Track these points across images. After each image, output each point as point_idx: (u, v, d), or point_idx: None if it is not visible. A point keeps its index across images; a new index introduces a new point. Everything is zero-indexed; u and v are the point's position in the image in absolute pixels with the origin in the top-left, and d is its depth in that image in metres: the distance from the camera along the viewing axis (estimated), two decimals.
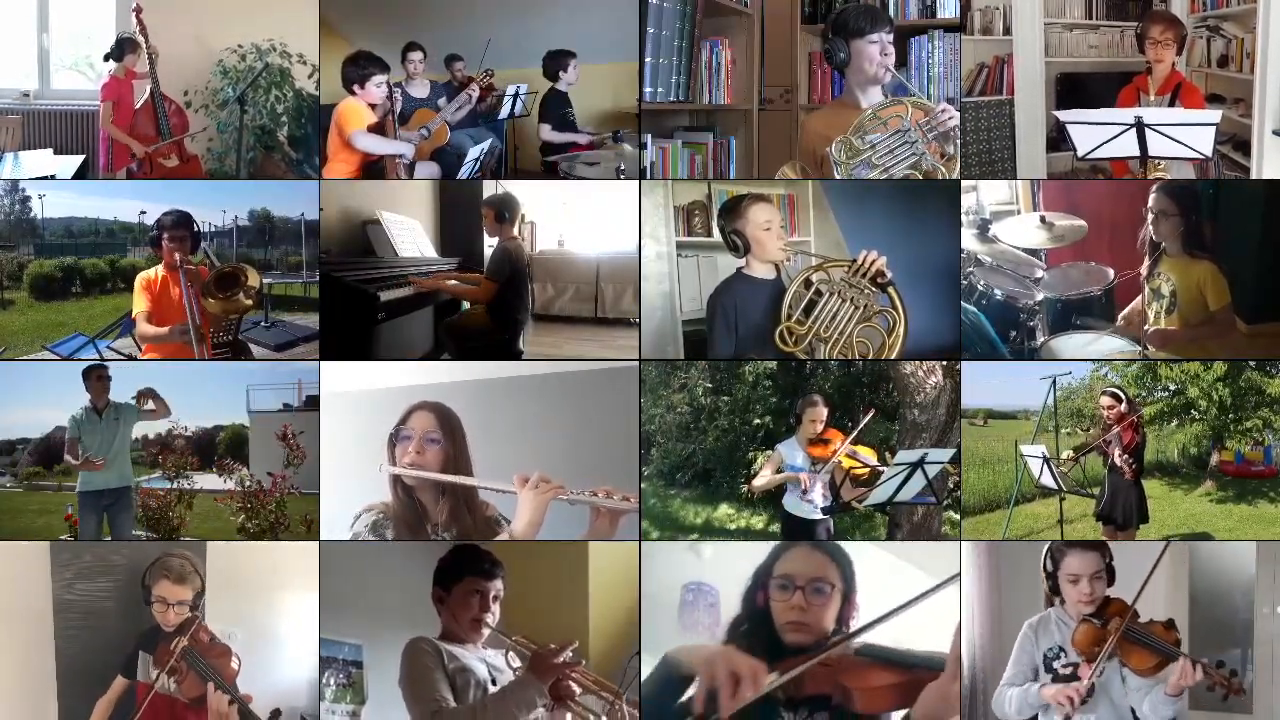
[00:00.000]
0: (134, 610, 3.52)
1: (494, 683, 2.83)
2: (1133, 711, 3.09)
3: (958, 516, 4.18)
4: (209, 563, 3.57)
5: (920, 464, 3.62)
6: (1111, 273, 4.21)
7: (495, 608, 2.92)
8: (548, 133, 5.16)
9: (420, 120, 4.67)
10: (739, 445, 4.88)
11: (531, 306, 4.77)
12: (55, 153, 5.15)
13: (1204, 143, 3.73)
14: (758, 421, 4.83)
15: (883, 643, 2.52)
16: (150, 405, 3.98)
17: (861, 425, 3.88)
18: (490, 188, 4.70)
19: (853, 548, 4.02)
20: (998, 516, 4.22)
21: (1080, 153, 3.88)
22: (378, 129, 4.38)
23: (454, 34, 5.15)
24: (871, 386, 4.54)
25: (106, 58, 5.13)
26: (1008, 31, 5.39)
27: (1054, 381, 4.13)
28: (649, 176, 4.56)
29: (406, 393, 3.31)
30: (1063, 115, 3.99)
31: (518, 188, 4.61)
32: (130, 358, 4.05)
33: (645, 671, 2.45)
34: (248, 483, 4.08)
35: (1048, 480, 4.02)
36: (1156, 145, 3.76)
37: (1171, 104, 4.33)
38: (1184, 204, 3.85)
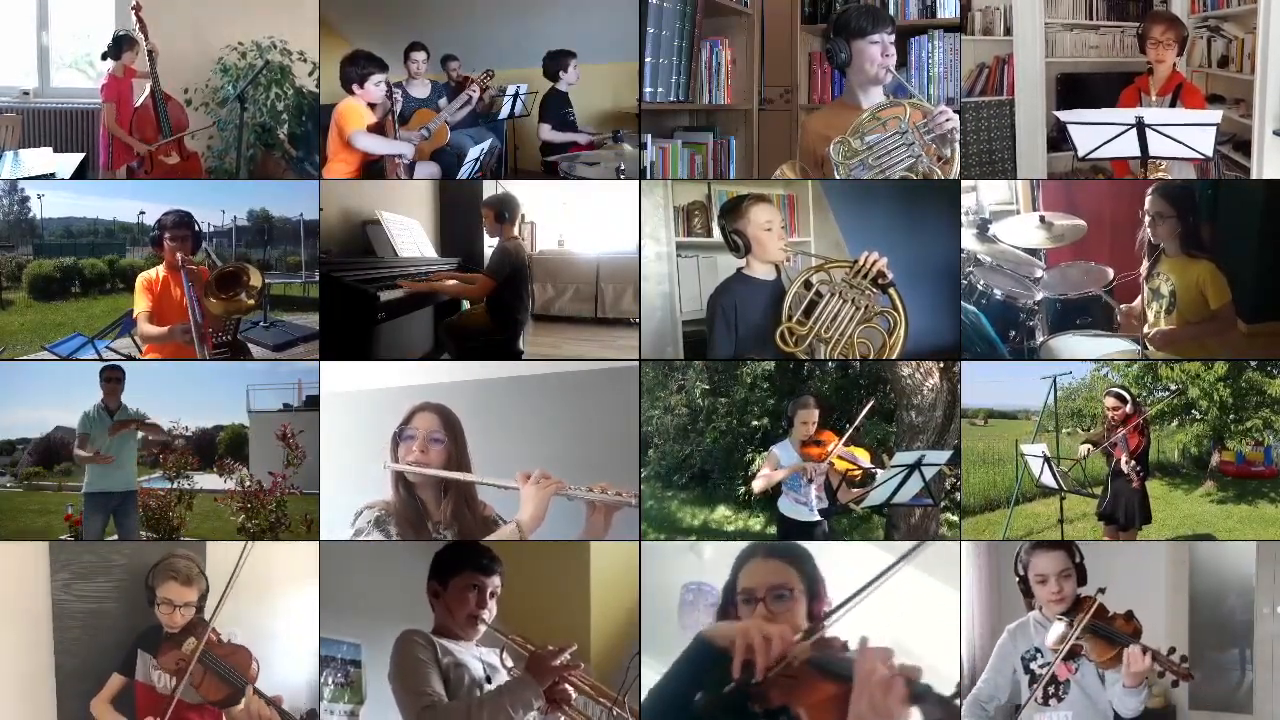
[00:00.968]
0: (134, 610, 3.52)
1: (489, 680, 2.82)
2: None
3: (955, 518, 4.18)
4: (208, 564, 3.56)
5: (917, 466, 3.61)
6: (1111, 272, 4.21)
7: (492, 604, 2.91)
8: (548, 133, 5.16)
9: (420, 120, 4.67)
10: (737, 447, 4.88)
11: (531, 306, 4.77)
12: (55, 151, 5.16)
13: (1204, 143, 3.74)
14: (756, 423, 4.82)
15: (846, 643, 2.49)
16: (144, 435, 3.99)
17: (858, 421, 3.87)
18: (490, 188, 4.70)
19: (852, 548, 4.04)
20: (998, 516, 4.22)
21: (1081, 153, 3.88)
22: (377, 129, 4.38)
23: (454, 34, 5.15)
24: (869, 388, 4.54)
25: (104, 56, 5.14)
26: (1008, 32, 5.39)
27: (1054, 381, 4.13)
28: (649, 176, 4.55)
29: (406, 393, 3.31)
30: (1063, 115, 3.99)
31: (518, 188, 4.61)
32: (130, 358, 4.04)
33: (680, 653, 2.43)
34: (248, 483, 4.08)
35: (1048, 480, 4.02)
36: (1157, 145, 3.76)
37: (1173, 104, 4.33)
38: (1180, 205, 3.86)
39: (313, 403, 3.89)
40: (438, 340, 4.87)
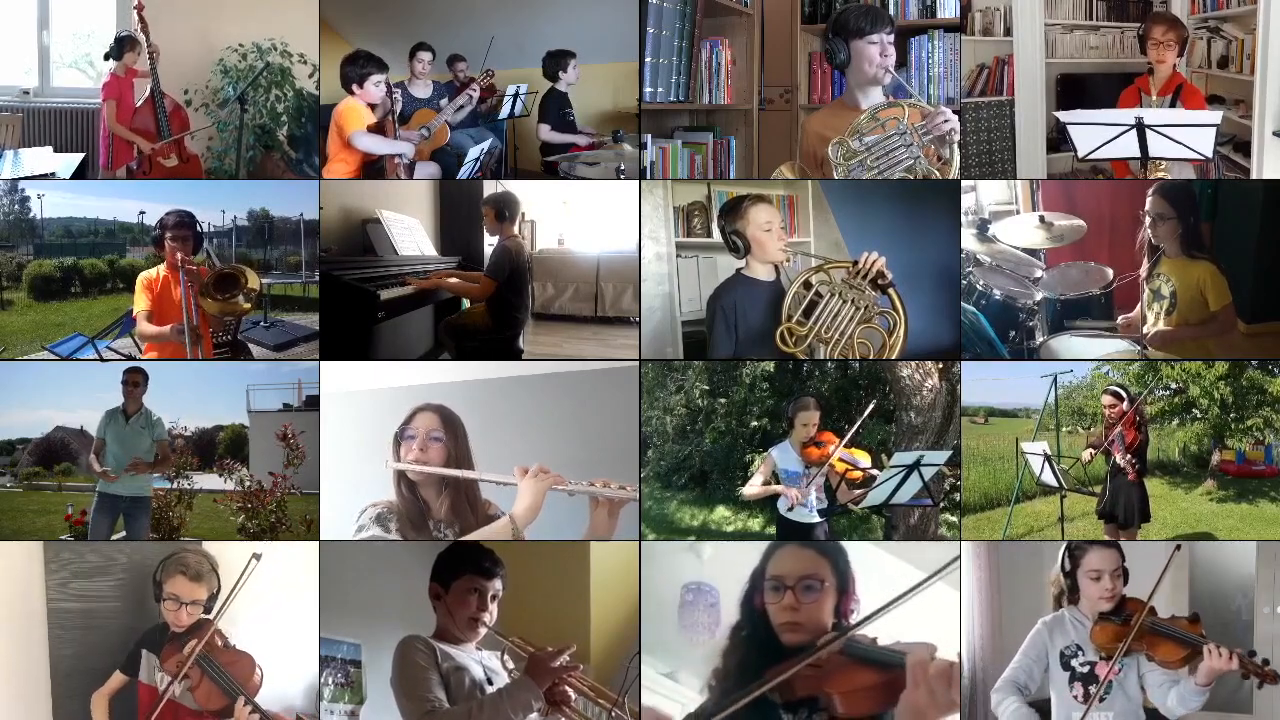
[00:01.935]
0: (133, 610, 3.52)
1: (489, 683, 2.82)
2: (1146, 711, 3.10)
3: (955, 518, 4.18)
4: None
5: (916, 466, 3.61)
6: (1110, 273, 4.21)
7: (493, 607, 2.91)
8: (547, 133, 5.16)
9: (421, 120, 4.67)
10: (736, 447, 4.88)
11: (531, 305, 4.77)
12: (55, 151, 5.15)
13: (1204, 144, 3.74)
14: (755, 424, 4.82)
15: (875, 640, 2.50)
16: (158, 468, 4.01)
17: (859, 423, 3.87)
18: (490, 187, 4.70)
19: (853, 548, 4.04)
20: (999, 514, 4.22)
21: (1081, 153, 3.88)
22: (377, 129, 4.38)
23: (454, 34, 5.15)
24: (868, 389, 4.54)
25: (106, 56, 5.14)
26: (1008, 32, 5.39)
27: (1055, 380, 4.13)
28: (649, 176, 4.55)
29: (406, 392, 3.31)
30: (1063, 116, 3.99)
31: (518, 187, 4.61)
32: (130, 358, 4.04)
33: None
34: (248, 483, 4.08)
35: (1049, 478, 4.02)
36: (1157, 146, 3.76)
37: (1173, 105, 4.33)
38: (1180, 206, 3.86)
39: (313, 403, 3.89)
40: (438, 339, 4.87)
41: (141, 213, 4.28)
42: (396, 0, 5.06)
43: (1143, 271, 3.96)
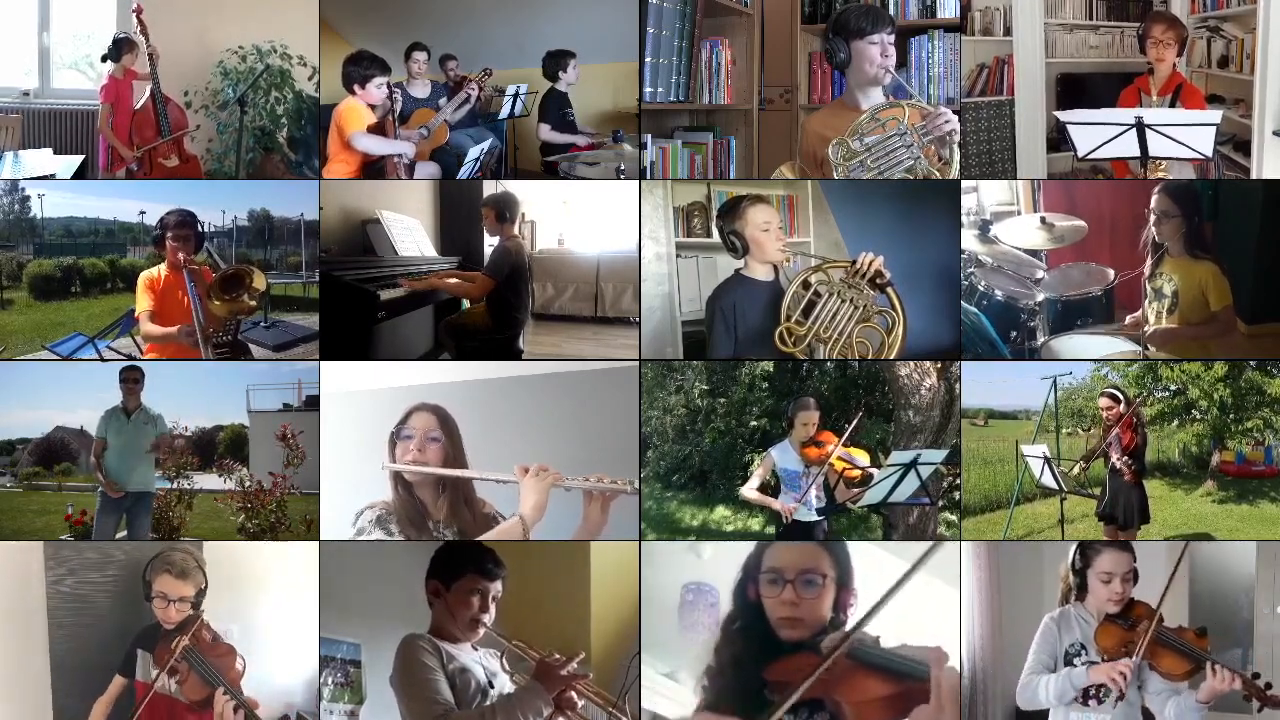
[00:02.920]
0: (130, 608, 3.52)
1: (491, 685, 2.82)
2: (1144, 713, 3.08)
3: (954, 517, 4.18)
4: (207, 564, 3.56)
5: (913, 465, 3.60)
6: (1112, 273, 4.21)
7: (493, 608, 2.91)
8: (547, 133, 5.16)
9: (420, 120, 4.67)
10: (735, 447, 4.88)
11: (531, 306, 4.77)
12: (55, 152, 5.16)
13: (1204, 143, 3.73)
14: (754, 423, 4.82)
15: (879, 639, 2.47)
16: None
17: (851, 427, 3.87)
18: (490, 187, 4.70)
19: (853, 548, 4.03)
20: (999, 516, 4.22)
21: (1081, 153, 3.87)
22: (378, 129, 4.38)
23: (454, 34, 5.15)
24: (867, 389, 4.54)
25: (104, 58, 5.14)
26: (1008, 32, 5.39)
27: (1054, 381, 4.13)
28: (649, 176, 4.55)
29: (406, 393, 3.31)
30: (1063, 116, 3.99)
31: (518, 187, 4.61)
32: (130, 357, 4.05)
33: None
34: (248, 483, 4.08)
35: (1049, 480, 4.02)
36: (1157, 146, 3.76)
37: (1173, 105, 4.33)
38: (1186, 205, 3.85)
39: (313, 403, 3.89)
40: (438, 340, 4.87)
41: (141, 213, 4.28)
42: (396, 0, 5.07)
43: (1145, 270, 3.96)
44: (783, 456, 3.96)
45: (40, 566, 3.61)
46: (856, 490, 3.83)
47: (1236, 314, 3.84)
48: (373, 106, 4.36)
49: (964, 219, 4.06)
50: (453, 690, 2.72)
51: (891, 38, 3.65)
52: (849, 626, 2.43)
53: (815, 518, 3.91)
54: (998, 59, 5.41)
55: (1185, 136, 3.73)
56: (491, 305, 4.45)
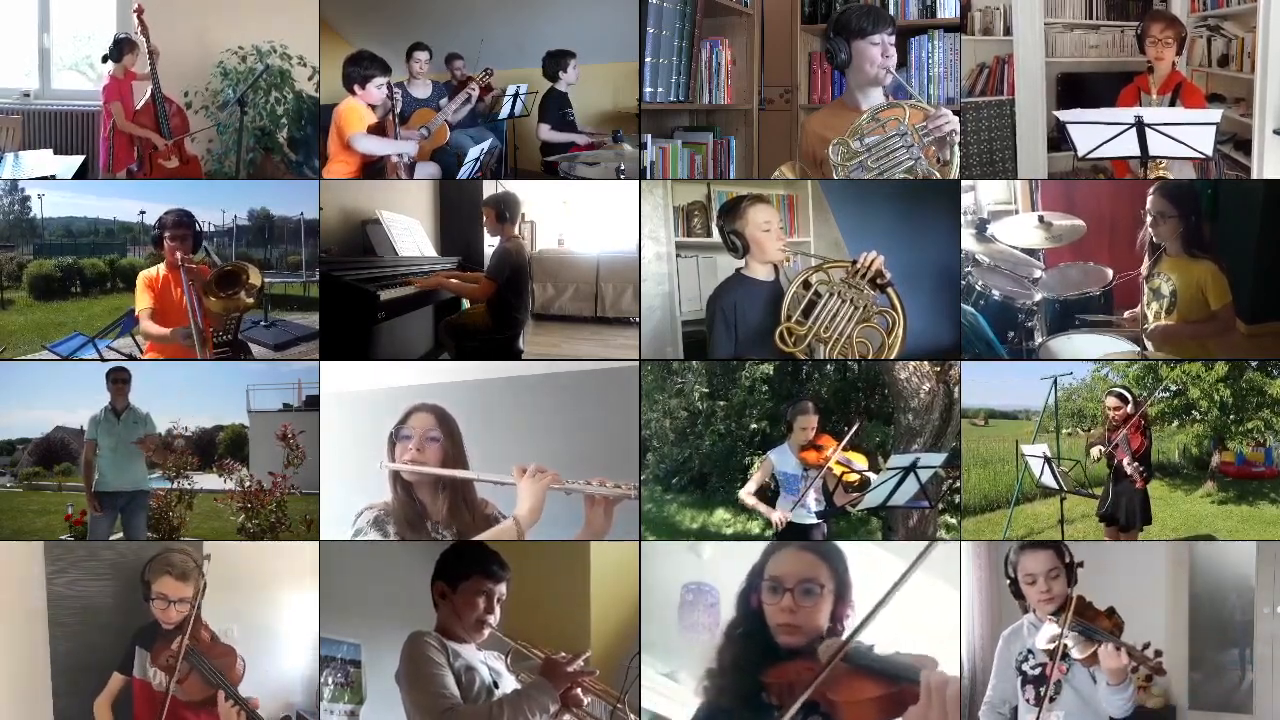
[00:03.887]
0: (130, 608, 3.52)
1: (496, 685, 2.83)
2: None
3: (953, 520, 4.18)
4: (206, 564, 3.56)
5: (912, 468, 3.60)
6: (1110, 273, 4.21)
7: (498, 609, 2.92)
8: (547, 133, 5.16)
9: (421, 120, 4.67)
10: (735, 450, 4.88)
11: (531, 306, 4.77)
12: (55, 153, 5.16)
13: (1204, 142, 3.73)
14: (754, 426, 4.82)
15: (873, 646, 2.50)
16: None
17: (849, 435, 3.87)
18: (490, 188, 4.70)
19: (854, 548, 4.03)
20: (999, 516, 4.22)
21: (1080, 153, 3.87)
22: (378, 129, 4.38)
23: (454, 34, 5.15)
24: (867, 391, 4.54)
25: (105, 59, 5.14)
26: (1008, 31, 5.39)
27: (1055, 381, 4.13)
28: (649, 176, 4.55)
29: (406, 393, 3.31)
30: (1063, 115, 3.99)
31: (518, 187, 4.61)
32: (130, 357, 4.05)
33: None
34: (248, 483, 4.08)
35: (1049, 480, 4.02)
36: (1157, 145, 3.76)
37: (1173, 104, 4.33)
38: (1182, 205, 3.85)
39: (313, 403, 3.89)
40: (438, 340, 4.87)
41: (141, 213, 4.28)
42: (396, 0, 5.07)
43: (1143, 270, 3.96)
44: (781, 460, 3.95)
45: (40, 566, 3.61)
46: (855, 494, 3.83)
47: (1236, 313, 3.84)
48: (373, 107, 4.36)
49: (962, 218, 4.06)
50: (458, 687, 2.73)
51: (892, 38, 3.65)
52: (845, 635, 2.50)
53: (814, 520, 3.91)
54: (998, 59, 5.41)
55: (1185, 136, 3.73)
56: (492, 305, 4.45)
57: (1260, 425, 4.30)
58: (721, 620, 3.48)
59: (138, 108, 5.05)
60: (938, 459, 3.74)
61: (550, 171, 5.02)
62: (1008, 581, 3.26)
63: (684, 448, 4.96)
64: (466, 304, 4.88)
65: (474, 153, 4.55)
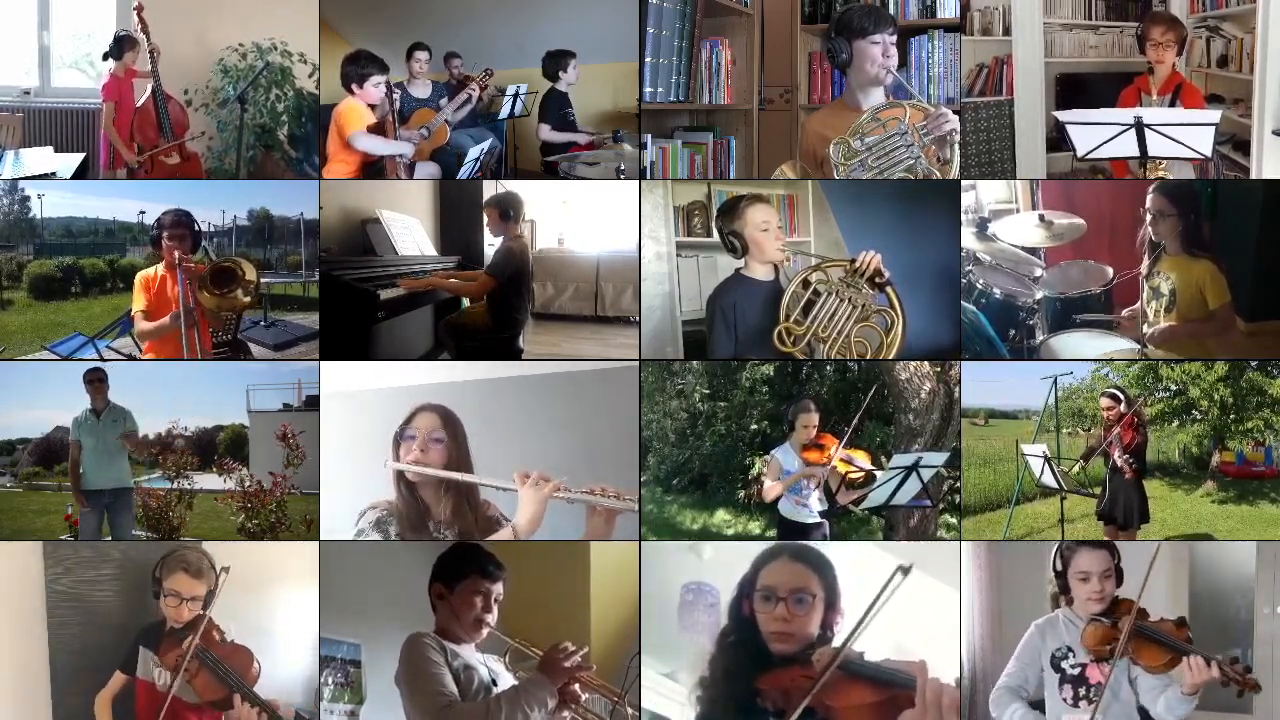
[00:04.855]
0: (131, 607, 3.52)
1: (494, 684, 2.83)
2: (1141, 712, 3.08)
3: (954, 520, 4.18)
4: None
5: (915, 468, 3.61)
6: (1110, 271, 4.21)
7: (495, 609, 2.92)
8: (547, 133, 5.16)
9: (420, 120, 4.67)
10: (736, 450, 4.88)
11: (531, 305, 4.77)
12: (55, 151, 5.15)
13: (1204, 143, 3.73)
14: (754, 427, 4.83)
15: (866, 656, 2.53)
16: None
17: (851, 429, 3.87)
18: (490, 188, 4.70)
19: (855, 548, 4.04)
20: (999, 516, 4.22)
21: (1080, 153, 3.87)
22: (377, 129, 4.38)
23: (454, 34, 5.15)
24: (867, 391, 4.53)
25: (105, 56, 5.14)
26: (1007, 32, 5.39)
27: (1055, 381, 4.13)
28: (649, 176, 4.55)
29: (406, 392, 3.31)
30: (1062, 115, 3.99)
31: (518, 187, 4.61)
32: (130, 357, 4.04)
33: None
34: (248, 483, 4.08)
35: (1049, 480, 4.02)
36: (1156, 145, 3.76)
37: (1172, 104, 4.33)
38: (1182, 204, 3.85)
39: (313, 403, 3.89)
40: (438, 339, 4.87)
41: (141, 213, 4.28)
42: (396, 0, 5.07)
43: (1143, 269, 3.96)
44: (785, 459, 3.95)
45: (40, 566, 3.61)
46: (858, 493, 3.83)
47: (1236, 312, 3.84)
48: (372, 106, 4.36)
49: (962, 217, 4.06)
50: (456, 685, 2.73)
51: (893, 38, 3.65)
52: (838, 642, 2.55)
53: (816, 519, 3.91)
54: (997, 59, 5.41)
55: (1184, 136, 3.73)
56: (492, 305, 4.45)
57: (1260, 425, 4.30)
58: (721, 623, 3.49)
59: (138, 105, 5.05)
60: (940, 458, 3.75)
61: (550, 171, 5.02)
62: (1053, 574, 3.25)
63: (684, 449, 4.96)
64: (466, 303, 4.88)
65: (474, 153, 4.55)
